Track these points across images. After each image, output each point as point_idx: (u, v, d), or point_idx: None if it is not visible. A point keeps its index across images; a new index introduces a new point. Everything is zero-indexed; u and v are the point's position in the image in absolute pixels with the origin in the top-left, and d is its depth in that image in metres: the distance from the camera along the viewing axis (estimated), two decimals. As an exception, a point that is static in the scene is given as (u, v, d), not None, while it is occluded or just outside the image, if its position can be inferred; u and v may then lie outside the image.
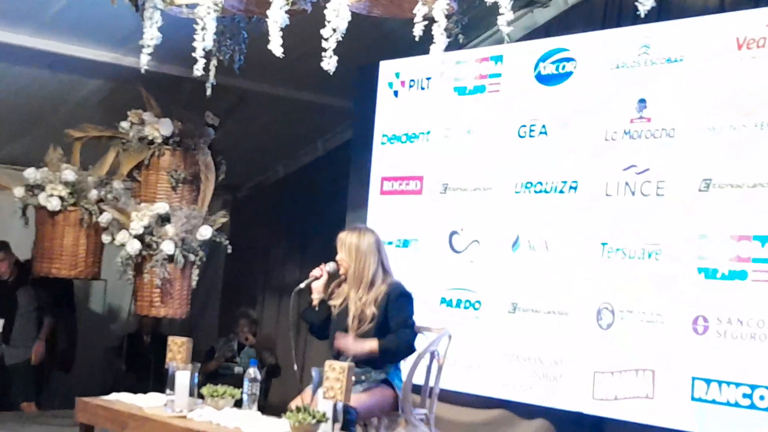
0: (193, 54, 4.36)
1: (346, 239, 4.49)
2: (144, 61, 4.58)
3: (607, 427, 5.12)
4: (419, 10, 3.86)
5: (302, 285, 4.60)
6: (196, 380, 4.19)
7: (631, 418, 4.92)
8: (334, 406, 3.66)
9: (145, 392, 4.67)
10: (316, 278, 4.58)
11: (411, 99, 6.26)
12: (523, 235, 5.52)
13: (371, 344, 4.32)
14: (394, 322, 4.38)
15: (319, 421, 3.63)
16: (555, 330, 5.30)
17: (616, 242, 5.08)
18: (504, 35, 3.82)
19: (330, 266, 4.58)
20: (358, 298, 4.42)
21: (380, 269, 4.45)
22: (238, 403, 4.26)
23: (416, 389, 4.67)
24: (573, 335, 5.22)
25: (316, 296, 4.60)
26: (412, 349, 4.44)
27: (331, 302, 4.58)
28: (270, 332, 7.83)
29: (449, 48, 3.93)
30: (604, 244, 5.13)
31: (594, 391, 5.09)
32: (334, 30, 3.93)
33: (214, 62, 4.70)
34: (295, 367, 4.67)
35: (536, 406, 5.36)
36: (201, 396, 4.31)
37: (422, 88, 6.19)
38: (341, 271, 4.53)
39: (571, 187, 5.32)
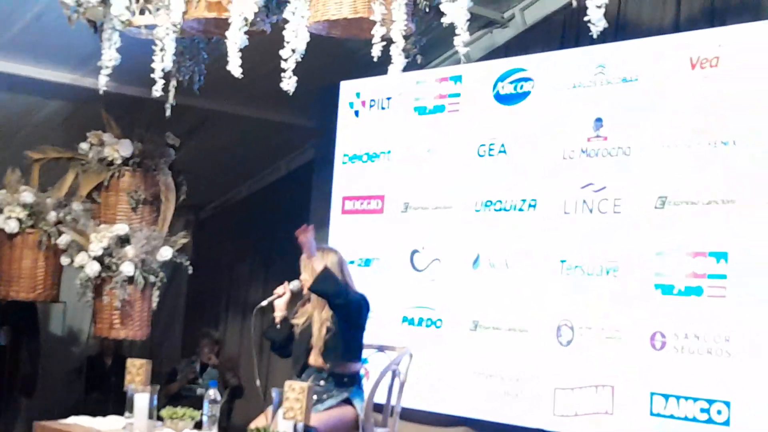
0: (153, 75, 4.37)
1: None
2: (102, 82, 4.58)
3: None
4: (377, 31, 3.89)
5: (264, 303, 4.63)
6: (155, 402, 4.17)
7: (591, 434, 4.97)
8: (294, 426, 3.66)
9: (105, 415, 4.63)
10: (279, 296, 4.60)
11: (372, 118, 6.30)
12: (483, 253, 5.56)
13: (319, 266, 4.30)
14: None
15: (278, 442, 3.63)
16: (515, 347, 5.34)
17: (575, 260, 5.13)
18: (460, 56, 3.87)
19: (294, 285, 4.61)
20: (322, 318, 4.43)
21: None
22: (199, 425, 4.24)
23: (378, 408, 4.68)
24: (533, 352, 5.26)
25: (279, 314, 4.62)
26: (342, 297, 4.37)
27: (295, 321, 4.60)
28: (233, 352, 7.79)
29: (408, 68, 3.98)
30: (563, 261, 5.18)
31: (555, 407, 5.13)
32: (293, 50, 3.97)
33: (173, 83, 4.70)
34: (258, 383, 4.67)
35: (498, 424, 5.39)
36: (161, 418, 4.29)
37: (383, 108, 6.23)
38: (304, 291, 4.55)
39: (530, 206, 5.37)
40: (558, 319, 5.17)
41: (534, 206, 5.35)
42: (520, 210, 5.40)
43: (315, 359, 4.49)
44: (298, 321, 4.58)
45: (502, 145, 5.56)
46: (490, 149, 5.61)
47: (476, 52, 6.13)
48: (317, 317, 4.47)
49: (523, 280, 5.36)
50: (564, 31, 5.76)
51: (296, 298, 4.66)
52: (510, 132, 5.54)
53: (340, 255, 4.59)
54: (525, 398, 5.26)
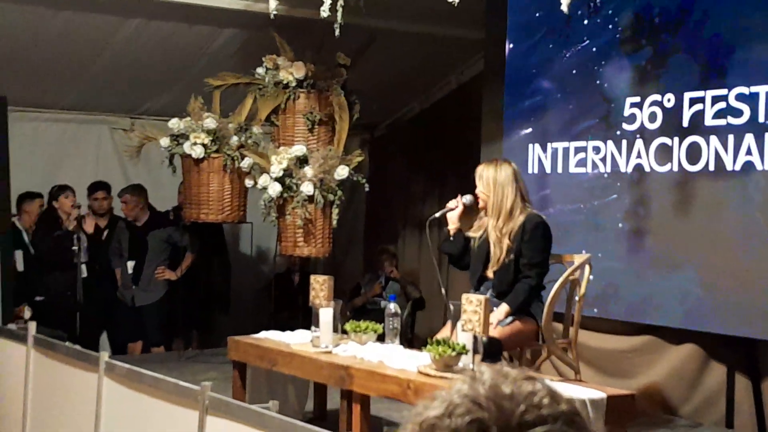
0: (319, -5, 4.40)
1: (483, 172, 4.48)
2: (273, 6, 4.66)
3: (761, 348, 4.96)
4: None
5: (437, 214, 4.66)
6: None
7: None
8: (474, 338, 3.68)
9: (294, 329, 4.82)
10: (452, 209, 4.60)
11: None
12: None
13: (503, 310, 4.29)
14: (522, 262, 4.37)
15: (459, 353, 3.67)
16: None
17: None
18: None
19: (467, 198, 4.60)
20: (498, 228, 4.41)
21: (518, 199, 4.42)
22: (382, 338, 4.35)
23: (558, 317, 4.64)
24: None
25: (452, 227, 4.63)
26: (539, 289, 4.43)
27: (471, 234, 4.59)
28: (413, 266, 7.92)
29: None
30: None
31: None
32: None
33: (340, 2, 4.71)
34: (443, 291, 4.74)
35: (684, 330, 5.23)
36: (345, 331, 4.42)
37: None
38: (480, 204, 4.52)
39: None
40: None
41: None
42: None
43: (493, 272, 4.47)
44: (475, 234, 4.57)
45: None
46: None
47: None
48: (493, 227, 4.43)
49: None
50: None
51: (470, 211, 4.64)
52: None
53: (514, 166, 4.52)
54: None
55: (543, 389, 1.06)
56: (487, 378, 1.06)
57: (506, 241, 4.38)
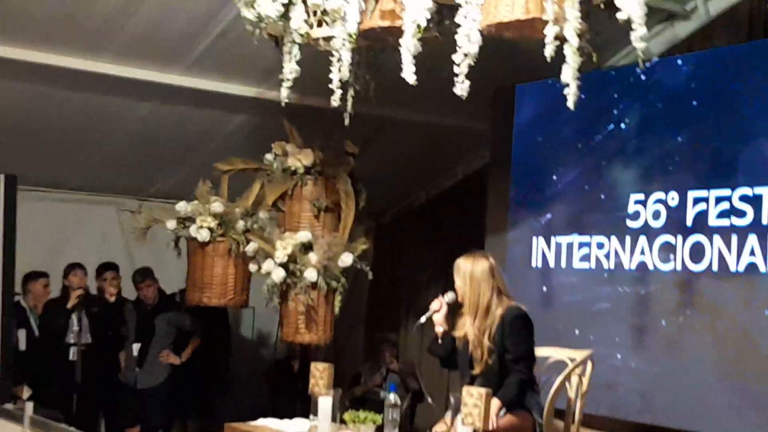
0: (330, 85, 4.48)
1: (461, 266, 4.45)
2: (284, 95, 4.73)
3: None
4: (550, 30, 3.83)
5: (423, 319, 4.58)
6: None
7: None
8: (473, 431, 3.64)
9: (292, 417, 4.77)
10: (436, 311, 4.55)
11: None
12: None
13: (495, 404, 4.15)
14: (508, 358, 4.31)
15: (458, 447, 3.62)
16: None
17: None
18: (638, 52, 3.75)
19: (449, 297, 4.55)
20: (476, 327, 4.36)
21: (494, 296, 4.36)
22: (380, 429, 4.29)
23: (558, 413, 4.58)
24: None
25: (439, 329, 4.57)
26: (531, 382, 4.37)
27: (456, 333, 4.52)
28: (414, 357, 7.86)
29: (584, 67, 3.89)
30: None
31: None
32: (466, 55, 3.96)
33: (351, 92, 4.79)
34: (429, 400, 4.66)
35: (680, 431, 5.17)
36: (344, 421, 4.37)
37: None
38: (459, 299, 4.49)
39: None
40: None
41: None
42: None
43: (478, 373, 4.41)
44: (459, 333, 4.49)
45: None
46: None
47: (656, 46, 5.90)
48: (470, 326, 4.37)
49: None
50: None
51: (454, 309, 4.60)
52: None
53: (491, 261, 4.45)
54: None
55: None
56: None
57: (486, 342, 4.32)
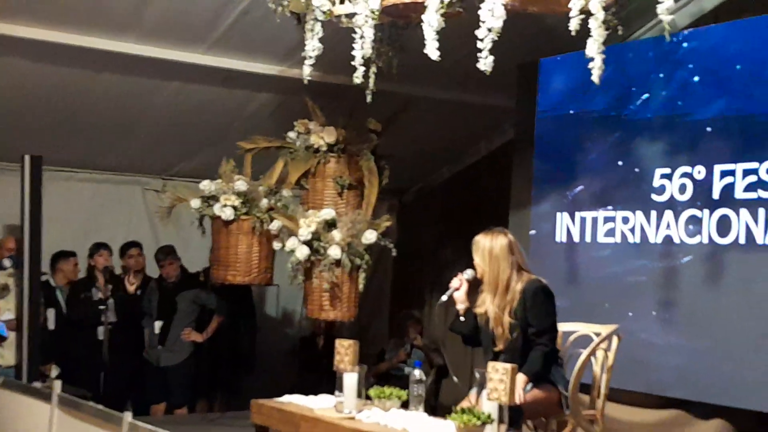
0: (353, 63, 4.47)
1: (479, 243, 4.43)
2: (307, 72, 4.73)
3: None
4: (575, 4, 3.81)
5: (444, 297, 4.58)
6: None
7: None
8: (499, 407, 3.65)
9: (317, 394, 4.80)
10: (456, 289, 4.55)
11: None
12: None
13: (521, 379, 4.16)
14: (531, 331, 4.29)
15: (484, 423, 3.63)
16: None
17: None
18: (665, 24, 3.72)
19: (468, 273, 4.53)
20: (496, 304, 4.35)
21: (514, 272, 4.35)
22: (406, 404, 4.31)
23: (584, 388, 4.58)
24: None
25: (461, 306, 4.57)
26: (554, 353, 4.36)
27: (477, 310, 4.50)
28: (439, 333, 7.87)
29: (609, 41, 3.86)
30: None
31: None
32: (489, 30, 3.94)
33: (373, 69, 4.77)
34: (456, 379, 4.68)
35: (714, 406, 5.15)
36: (369, 397, 4.39)
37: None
38: (478, 275, 4.47)
39: None
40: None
41: None
42: None
43: (501, 350, 4.41)
44: (480, 310, 4.48)
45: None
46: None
47: (682, 19, 5.84)
48: (490, 302, 4.36)
49: None
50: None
51: (474, 286, 4.59)
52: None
53: (510, 237, 4.43)
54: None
55: None
56: None
57: (506, 318, 4.31)
